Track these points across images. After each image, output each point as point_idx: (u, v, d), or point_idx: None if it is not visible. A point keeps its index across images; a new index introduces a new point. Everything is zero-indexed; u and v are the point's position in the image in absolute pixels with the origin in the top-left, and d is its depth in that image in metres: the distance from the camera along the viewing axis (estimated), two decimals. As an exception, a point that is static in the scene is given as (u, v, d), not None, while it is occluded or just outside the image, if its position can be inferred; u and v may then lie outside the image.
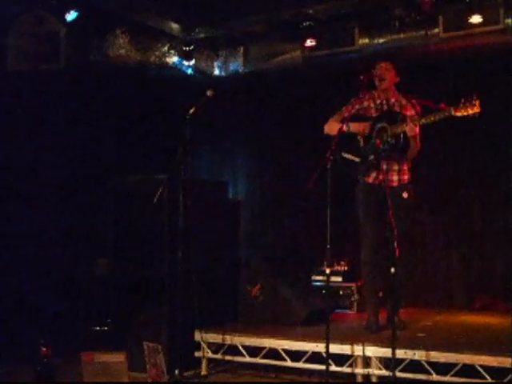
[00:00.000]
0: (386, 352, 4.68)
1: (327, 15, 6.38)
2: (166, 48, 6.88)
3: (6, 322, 6.18)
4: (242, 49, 7.07)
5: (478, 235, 6.87)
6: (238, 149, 8.29)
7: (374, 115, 5.40)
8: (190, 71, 7.08)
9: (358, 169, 5.41)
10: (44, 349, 5.11)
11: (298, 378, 5.34)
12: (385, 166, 5.02)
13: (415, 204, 5.51)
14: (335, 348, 4.84)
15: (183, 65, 6.99)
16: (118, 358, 5.02)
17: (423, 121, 5.12)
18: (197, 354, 5.55)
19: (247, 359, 5.39)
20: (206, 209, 6.06)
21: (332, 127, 5.39)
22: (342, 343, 4.90)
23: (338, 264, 6.91)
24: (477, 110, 4.79)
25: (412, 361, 4.68)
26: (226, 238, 6.37)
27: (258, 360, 5.33)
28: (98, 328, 6.36)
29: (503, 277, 6.64)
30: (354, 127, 5.35)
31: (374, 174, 5.38)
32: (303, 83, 7.29)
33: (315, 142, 5.69)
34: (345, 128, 5.15)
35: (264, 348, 5.28)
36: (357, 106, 5.41)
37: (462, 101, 4.82)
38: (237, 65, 7.12)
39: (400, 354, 4.61)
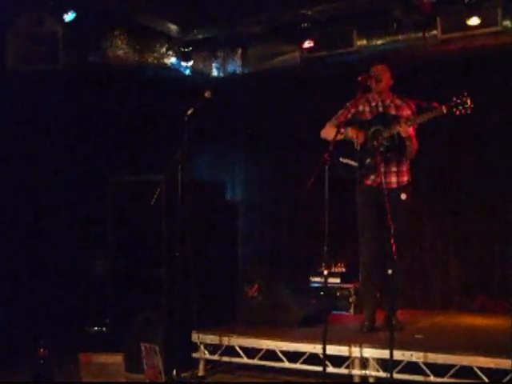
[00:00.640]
0: (383, 353, 4.68)
1: (325, 17, 6.37)
2: (164, 49, 6.88)
3: (4, 322, 6.18)
4: (240, 50, 7.07)
5: (477, 236, 6.88)
6: (237, 150, 8.29)
7: (369, 118, 5.42)
8: (188, 72, 7.07)
9: (355, 172, 5.42)
10: (42, 349, 5.11)
11: (295, 379, 5.34)
12: (383, 168, 5.02)
13: (413, 205, 5.51)
14: (333, 349, 4.84)
15: (181, 66, 6.99)
16: (116, 358, 5.02)
17: (416, 121, 5.15)
18: (194, 355, 5.55)
19: (245, 360, 5.39)
20: (204, 210, 6.06)
21: (328, 133, 5.46)
22: (339, 344, 4.91)
23: (336, 265, 6.91)
24: (468, 107, 4.81)
25: (409, 362, 4.68)
26: (223, 239, 6.37)
27: (256, 361, 5.33)
28: (95, 329, 6.36)
29: (502, 277, 6.65)
30: (350, 132, 5.37)
31: (372, 177, 5.39)
32: (301, 84, 7.29)
33: (314, 142, 5.69)
34: (341, 134, 5.18)
35: (261, 349, 5.28)
36: (352, 111, 5.45)
37: (454, 99, 4.86)
38: (235, 66, 7.12)
39: (397, 355, 4.61)
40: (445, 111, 4.92)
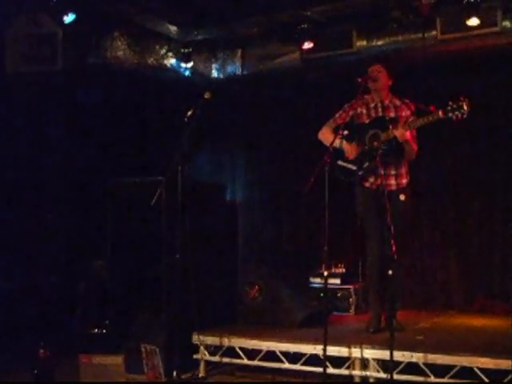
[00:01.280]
0: (383, 354, 4.68)
1: (325, 17, 6.38)
2: (164, 50, 6.88)
3: (5, 323, 6.18)
4: (239, 51, 7.07)
5: (477, 236, 6.88)
6: (237, 151, 8.29)
7: (367, 121, 5.43)
8: (187, 73, 7.07)
9: (353, 176, 5.42)
10: (42, 351, 5.11)
11: (296, 380, 5.34)
12: (382, 171, 5.03)
13: (413, 206, 5.51)
14: (333, 350, 4.84)
15: (181, 67, 6.99)
16: (116, 360, 5.03)
17: (412, 126, 5.14)
18: (195, 356, 5.55)
19: (245, 361, 5.39)
20: (205, 211, 6.06)
21: (326, 136, 5.51)
22: (339, 345, 4.90)
23: (336, 266, 6.91)
24: (465, 112, 4.79)
25: (410, 363, 4.68)
26: (224, 240, 6.37)
27: (256, 362, 5.33)
28: (95, 330, 6.35)
29: (502, 278, 6.65)
30: (345, 146, 5.39)
31: (371, 179, 5.39)
32: (301, 85, 7.29)
33: (313, 143, 5.69)
34: (339, 138, 5.21)
35: (262, 350, 5.28)
36: (350, 113, 5.45)
37: (450, 103, 4.84)
38: (235, 67, 7.12)
39: (398, 356, 4.61)
40: (441, 116, 4.90)
